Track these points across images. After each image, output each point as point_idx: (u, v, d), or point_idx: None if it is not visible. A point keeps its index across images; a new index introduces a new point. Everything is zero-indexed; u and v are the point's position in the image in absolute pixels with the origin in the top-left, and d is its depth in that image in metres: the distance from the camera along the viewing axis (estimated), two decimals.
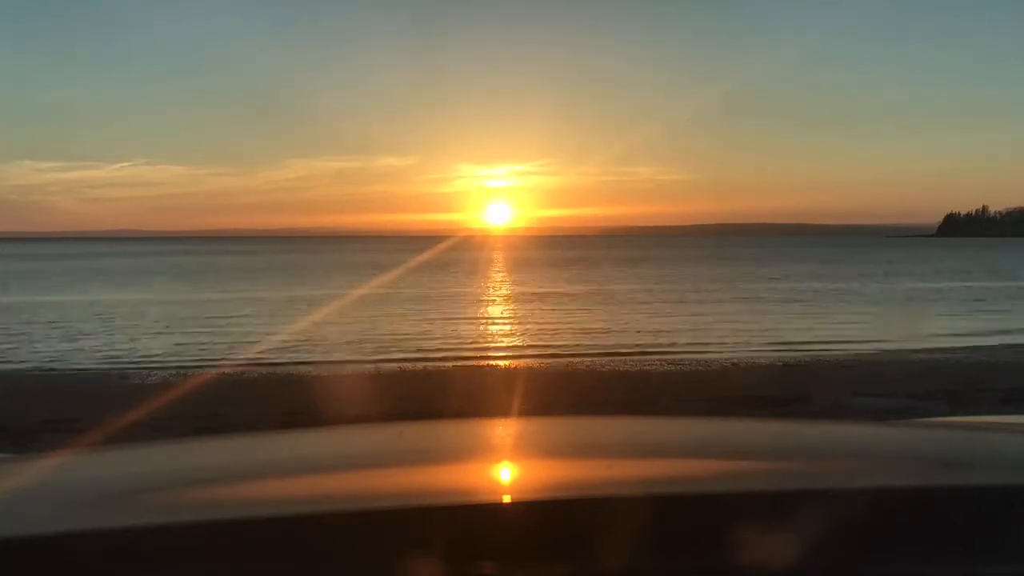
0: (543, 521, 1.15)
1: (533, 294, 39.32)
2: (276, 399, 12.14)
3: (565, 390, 12.94)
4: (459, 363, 18.65)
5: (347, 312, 30.85)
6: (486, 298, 38.68)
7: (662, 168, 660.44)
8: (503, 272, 59.30)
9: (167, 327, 26.60)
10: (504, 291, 42.89)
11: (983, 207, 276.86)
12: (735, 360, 18.30)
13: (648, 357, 19.04)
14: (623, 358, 18.95)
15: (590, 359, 18.94)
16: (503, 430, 2.05)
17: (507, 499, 1.25)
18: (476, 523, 1.13)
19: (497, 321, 29.48)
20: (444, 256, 75.91)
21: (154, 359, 19.97)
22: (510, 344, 23.61)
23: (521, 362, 19.21)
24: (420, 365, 18.22)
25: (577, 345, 21.87)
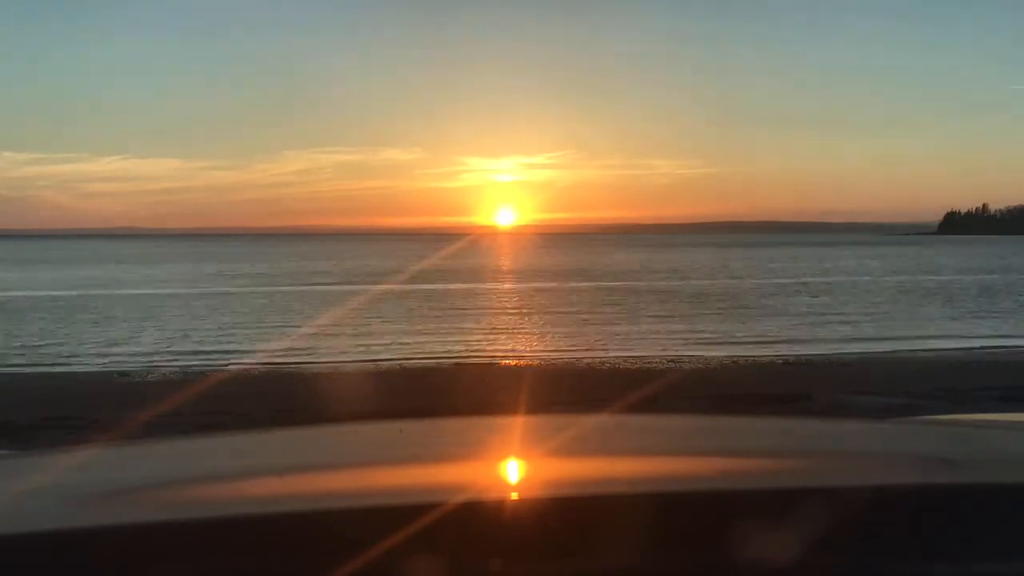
0: (545, 518, 1.15)
1: None
2: (280, 396, 12.15)
3: (567, 388, 12.96)
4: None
5: None
6: None
7: (678, 162, 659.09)
8: None
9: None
10: None
11: (983, 205, 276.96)
12: (736, 358, 18.32)
13: (651, 354, 19.07)
14: (624, 357, 18.97)
15: (589, 359, 18.95)
16: (504, 427, 2.05)
17: (509, 496, 1.25)
18: (477, 520, 1.13)
19: None
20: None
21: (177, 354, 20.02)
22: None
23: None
24: None
25: None
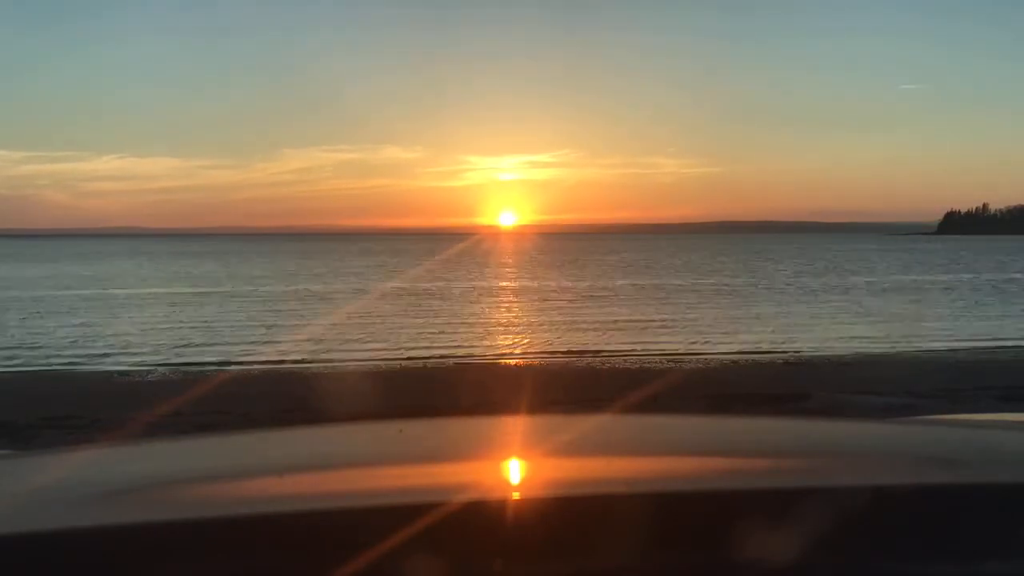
0: (545, 518, 1.15)
1: None
2: (280, 396, 12.14)
3: (568, 387, 12.96)
4: None
5: None
6: None
7: (682, 161, 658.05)
8: None
9: None
10: None
11: (983, 205, 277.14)
12: (735, 357, 18.32)
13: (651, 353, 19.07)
14: (624, 356, 18.98)
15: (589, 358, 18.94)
16: (504, 427, 2.06)
17: (509, 496, 1.25)
18: (477, 520, 1.13)
19: None
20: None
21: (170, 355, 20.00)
22: None
23: None
24: None
25: None
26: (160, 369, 17.39)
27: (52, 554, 1.10)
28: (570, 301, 35.01)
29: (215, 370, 16.75)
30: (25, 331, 25.15)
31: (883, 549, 1.15)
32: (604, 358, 18.61)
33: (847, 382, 13.27)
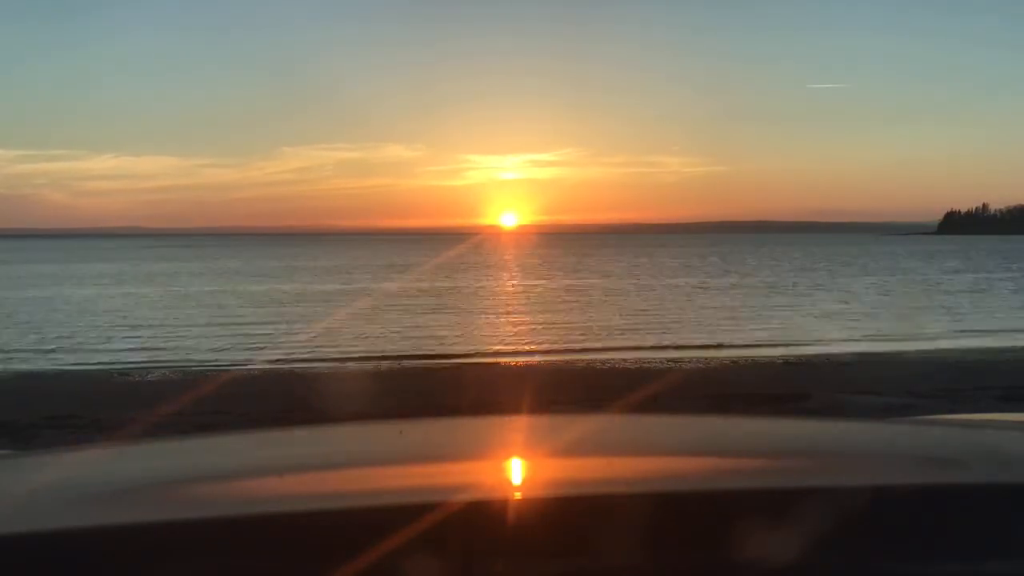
0: (545, 518, 1.15)
1: None
2: (280, 396, 12.14)
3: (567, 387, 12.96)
4: None
5: None
6: None
7: (686, 160, 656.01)
8: None
9: None
10: None
11: (983, 204, 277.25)
12: (735, 357, 18.31)
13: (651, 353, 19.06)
14: (623, 356, 18.97)
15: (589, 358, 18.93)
16: (504, 427, 2.06)
17: (509, 496, 1.25)
18: (477, 520, 1.13)
19: None
20: None
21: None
22: None
23: None
24: None
25: None
26: (160, 369, 17.39)
27: (52, 554, 1.10)
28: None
29: (216, 370, 16.75)
30: (24, 331, 25.15)
31: (883, 549, 1.15)
32: (605, 358, 18.60)
33: (847, 383, 13.26)
